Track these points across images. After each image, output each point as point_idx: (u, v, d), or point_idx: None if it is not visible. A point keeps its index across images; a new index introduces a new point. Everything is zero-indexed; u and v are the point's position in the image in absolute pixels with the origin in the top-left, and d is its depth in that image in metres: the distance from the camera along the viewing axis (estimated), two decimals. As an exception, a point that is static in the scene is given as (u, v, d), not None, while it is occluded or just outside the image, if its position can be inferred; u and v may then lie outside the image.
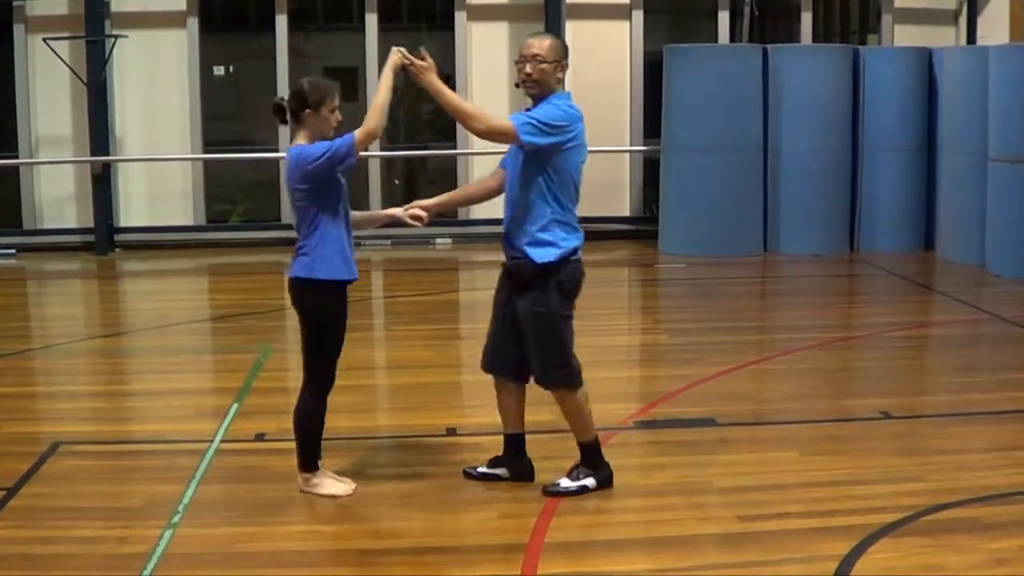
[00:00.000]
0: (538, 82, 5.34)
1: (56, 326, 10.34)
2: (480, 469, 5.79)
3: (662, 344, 9.16)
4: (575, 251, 5.42)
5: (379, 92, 5.26)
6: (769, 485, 5.69)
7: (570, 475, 5.58)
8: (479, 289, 11.95)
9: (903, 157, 12.92)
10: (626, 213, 14.23)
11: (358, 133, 5.22)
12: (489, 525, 5.28)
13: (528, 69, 5.33)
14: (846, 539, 4.91)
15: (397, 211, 5.73)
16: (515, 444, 5.75)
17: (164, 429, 6.80)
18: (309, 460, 5.53)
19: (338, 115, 5.40)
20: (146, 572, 4.69)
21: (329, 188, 5.32)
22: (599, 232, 13.62)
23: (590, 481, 5.56)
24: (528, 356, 5.46)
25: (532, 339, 5.41)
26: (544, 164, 5.30)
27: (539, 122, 5.22)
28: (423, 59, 5.28)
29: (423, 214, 5.66)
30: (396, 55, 5.27)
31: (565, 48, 5.41)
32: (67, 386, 8.10)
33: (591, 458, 5.59)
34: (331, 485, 5.53)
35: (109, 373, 8.52)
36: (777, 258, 12.84)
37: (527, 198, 5.34)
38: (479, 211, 13.88)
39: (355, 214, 5.70)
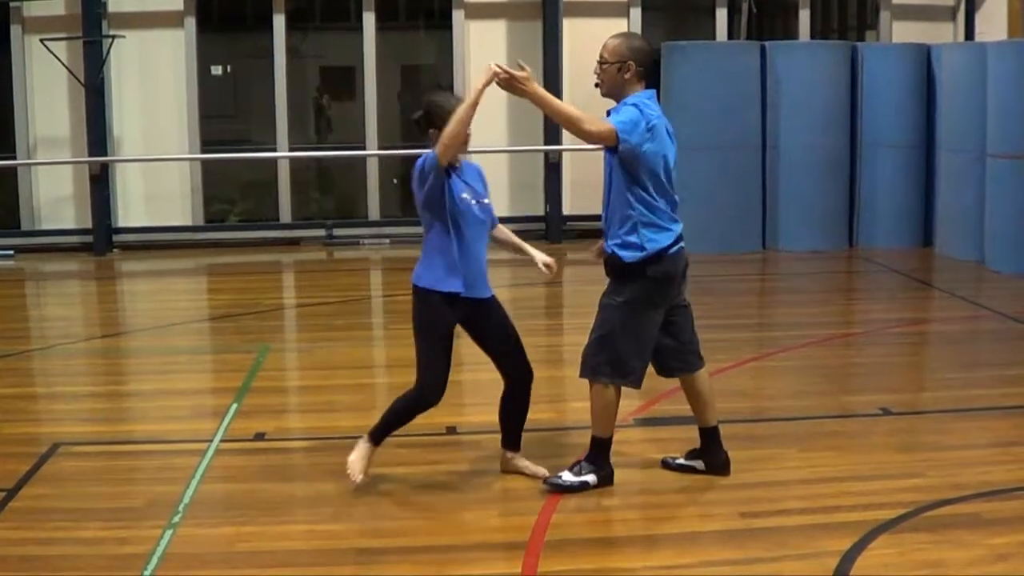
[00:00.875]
0: (603, 83, 5.45)
1: (55, 327, 10.33)
2: (678, 460, 5.86)
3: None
4: (668, 247, 5.46)
5: (463, 104, 5.22)
6: (769, 482, 5.69)
7: (572, 469, 5.58)
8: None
9: (902, 153, 12.92)
10: (625, 211, 14.22)
11: (438, 146, 5.22)
12: (489, 523, 5.28)
13: (596, 71, 5.46)
14: (847, 535, 4.91)
15: (539, 257, 5.78)
16: (707, 436, 5.79)
17: (163, 429, 6.80)
18: (379, 436, 5.57)
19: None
20: (147, 572, 4.69)
21: (436, 199, 5.33)
22: (598, 230, 13.56)
23: (591, 478, 5.56)
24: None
25: (595, 323, 5.48)
26: (626, 167, 5.32)
27: (627, 121, 5.25)
28: (522, 70, 5.22)
29: (553, 265, 5.75)
30: (492, 69, 5.19)
31: (633, 47, 5.41)
32: (66, 387, 8.09)
33: (597, 455, 5.59)
34: (359, 463, 5.55)
35: (108, 374, 8.52)
36: (776, 255, 12.85)
37: (615, 201, 5.43)
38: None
39: (504, 233, 5.76)
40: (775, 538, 4.99)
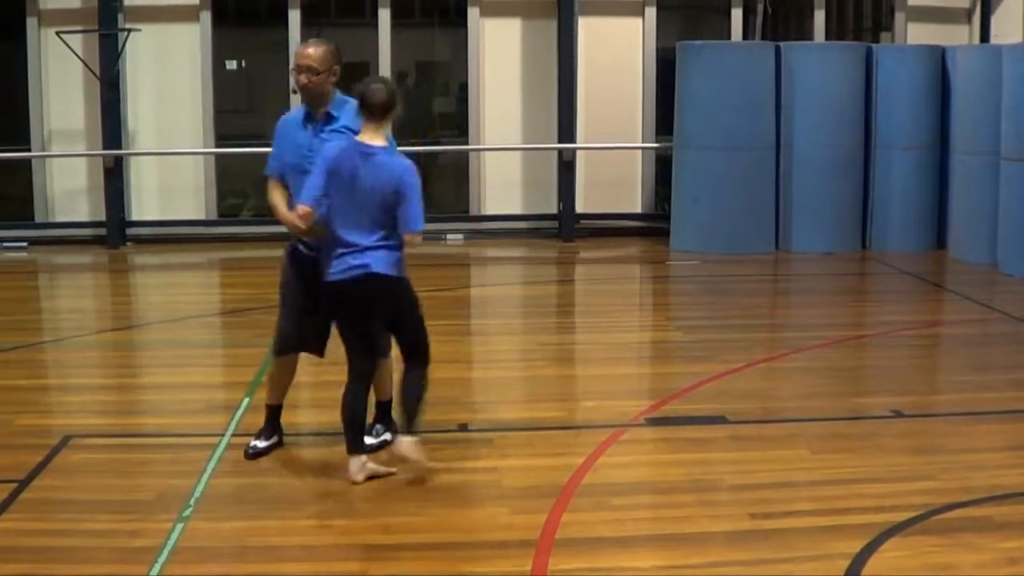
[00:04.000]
0: (311, 91, 5.78)
1: (67, 319, 10.36)
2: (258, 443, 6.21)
3: (674, 341, 9.15)
4: None
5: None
6: (780, 483, 5.69)
7: (370, 433, 6.00)
8: (490, 285, 11.95)
9: (915, 156, 12.88)
10: (638, 210, 14.21)
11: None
12: (500, 521, 5.28)
13: (303, 80, 5.76)
14: (857, 537, 4.91)
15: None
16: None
17: (175, 423, 6.82)
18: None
19: None
20: (157, 565, 4.70)
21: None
22: (611, 228, 13.69)
23: (388, 436, 6.07)
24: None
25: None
26: None
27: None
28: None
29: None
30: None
31: (335, 53, 5.85)
32: (78, 379, 8.11)
33: (386, 414, 6.17)
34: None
35: (120, 366, 8.54)
36: (789, 256, 12.82)
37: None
38: (491, 207, 13.90)
39: None
40: (785, 540, 4.98)
